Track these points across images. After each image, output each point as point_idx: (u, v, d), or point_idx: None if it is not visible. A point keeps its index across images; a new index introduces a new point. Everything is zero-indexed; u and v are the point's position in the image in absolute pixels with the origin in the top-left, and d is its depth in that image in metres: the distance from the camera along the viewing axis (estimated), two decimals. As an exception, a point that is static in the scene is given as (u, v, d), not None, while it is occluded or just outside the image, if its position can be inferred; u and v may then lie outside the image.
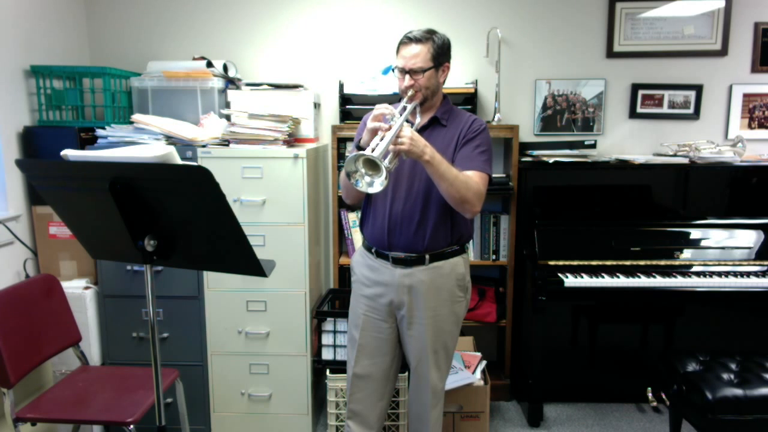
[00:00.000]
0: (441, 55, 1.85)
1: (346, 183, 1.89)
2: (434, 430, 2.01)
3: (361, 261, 2.03)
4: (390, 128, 1.66)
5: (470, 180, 1.80)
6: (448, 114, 1.94)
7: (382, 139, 1.64)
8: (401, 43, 1.85)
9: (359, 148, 1.75)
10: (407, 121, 1.78)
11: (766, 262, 2.62)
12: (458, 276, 1.95)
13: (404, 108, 1.81)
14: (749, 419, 1.97)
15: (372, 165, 1.61)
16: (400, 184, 1.87)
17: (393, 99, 2.75)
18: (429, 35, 1.83)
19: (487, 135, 1.92)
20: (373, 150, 1.60)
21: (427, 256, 1.89)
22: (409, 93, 1.83)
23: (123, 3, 2.98)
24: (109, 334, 2.54)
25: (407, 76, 1.83)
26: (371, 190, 1.63)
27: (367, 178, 1.63)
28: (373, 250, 1.96)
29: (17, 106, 2.47)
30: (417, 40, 1.82)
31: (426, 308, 1.90)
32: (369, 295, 1.97)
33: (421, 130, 1.87)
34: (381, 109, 1.74)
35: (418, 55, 1.81)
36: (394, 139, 1.65)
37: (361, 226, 2.04)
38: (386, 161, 1.60)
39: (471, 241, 2.76)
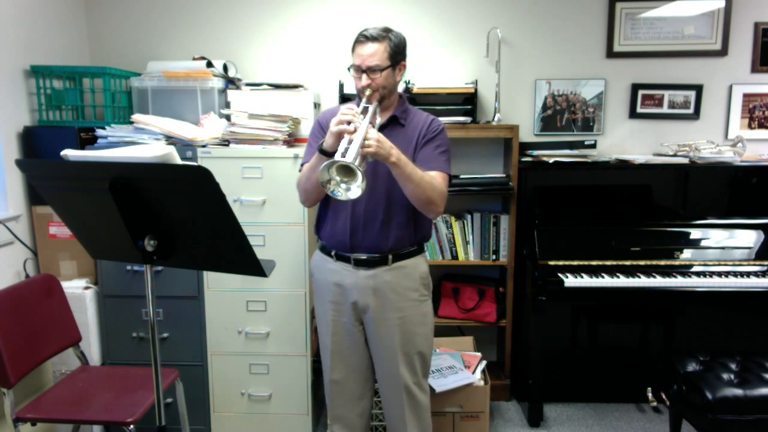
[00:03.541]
0: (398, 53, 1.84)
1: (307, 186, 1.85)
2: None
3: (321, 266, 2.00)
4: (356, 131, 1.63)
5: (434, 180, 1.79)
6: (406, 113, 1.93)
7: (350, 143, 1.61)
8: (357, 42, 1.82)
9: (322, 151, 1.73)
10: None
11: (766, 262, 2.61)
12: (422, 274, 1.96)
13: (366, 109, 1.77)
14: (749, 419, 1.97)
15: (346, 171, 1.58)
16: None
17: (393, 99, 2.77)
18: (385, 33, 1.81)
19: (445, 135, 1.92)
20: (343, 155, 1.57)
21: (390, 257, 1.88)
22: (367, 92, 1.80)
23: (123, 3, 2.98)
24: (109, 334, 2.54)
25: (364, 75, 1.80)
26: (351, 196, 1.59)
27: (343, 185, 1.60)
28: (333, 253, 1.94)
29: (17, 106, 2.47)
30: (373, 38, 1.79)
31: (393, 309, 1.90)
32: (334, 300, 1.96)
33: (380, 130, 1.84)
34: (345, 111, 1.70)
35: (375, 53, 1.79)
36: (362, 143, 1.61)
37: (318, 228, 2.01)
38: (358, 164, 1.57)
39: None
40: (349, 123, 1.66)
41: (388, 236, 1.87)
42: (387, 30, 1.83)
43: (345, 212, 1.87)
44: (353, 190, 1.58)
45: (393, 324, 1.90)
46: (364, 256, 1.89)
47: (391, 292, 1.89)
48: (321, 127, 1.94)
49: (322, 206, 1.97)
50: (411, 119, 1.93)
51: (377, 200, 1.85)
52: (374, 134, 1.65)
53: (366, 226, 1.86)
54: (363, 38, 1.81)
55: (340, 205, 1.88)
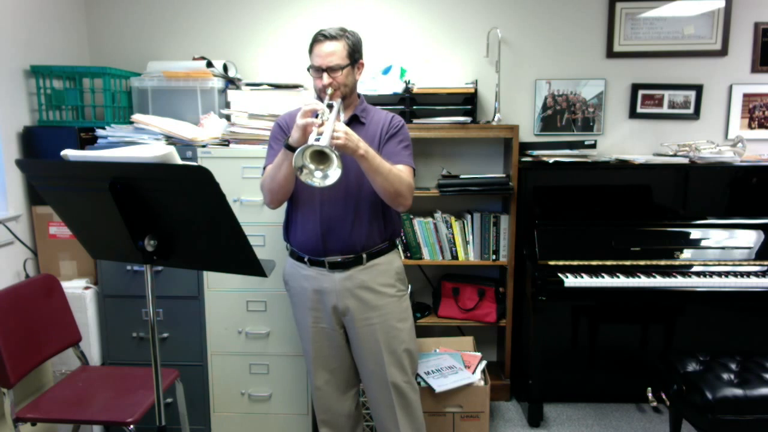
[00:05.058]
0: (355, 51, 1.86)
1: (273, 186, 1.84)
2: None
3: (294, 273, 1.99)
4: (323, 124, 1.63)
5: (402, 173, 1.81)
6: (366, 112, 1.95)
7: (320, 135, 1.60)
8: (315, 41, 1.83)
9: (288, 147, 1.71)
10: None
11: (766, 262, 2.61)
12: (397, 269, 1.97)
13: (330, 105, 1.76)
14: (749, 419, 1.97)
15: (320, 158, 1.57)
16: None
17: (393, 99, 2.77)
18: (343, 32, 1.83)
19: (406, 130, 1.94)
20: (317, 141, 1.56)
21: (364, 255, 1.89)
22: (329, 92, 1.80)
23: (123, 3, 2.98)
24: (109, 334, 2.53)
25: (325, 75, 1.81)
26: (329, 182, 1.57)
27: (318, 173, 1.58)
28: (306, 259, 1.93)
29: (17, 106, 2.47)
30: (332, 37, 1.81)
31: (372, 308, 1.90)
32: (312, 306, 1.96)
33: None
34: (312, 104, 1.70)
35: (334, 52, 1.80)
36: (331, 134, 1.61)
37: (286, 234, 2.00)
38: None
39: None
40: (315, 115, 1.66)
41: (359, 235, 1.87)
42: (344, 29, 1.85)
43: (314, 215, 1.87)
44: (331, 175, 1.57)
45: (374, 323, 1.90)
46: (338, 258, 1.88)
47: (368, 291, 1.90)
48: (281, 129, 1.94)
49: (290, 211, 1.97)
50: (371, 117, 1.94)
51: (346, 200, 1.85)
52: (342, 127, 1.65)
53: (336, 227, 1.86)
54: (322, 37, 1.82)
55: (308, 208, 1.88)
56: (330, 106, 1.75)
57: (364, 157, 1.69)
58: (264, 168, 1.93)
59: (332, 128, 1.61)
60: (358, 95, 1.98)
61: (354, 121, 1.91)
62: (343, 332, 1.99)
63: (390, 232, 1.96)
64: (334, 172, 1.56)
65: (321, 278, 1.92)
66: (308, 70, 1.87)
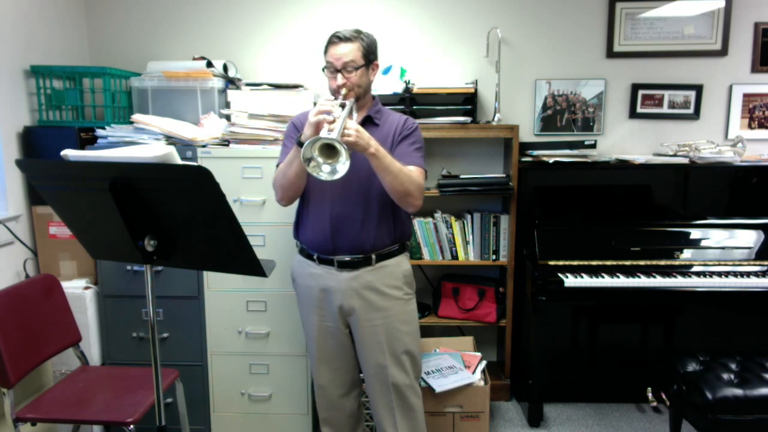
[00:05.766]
0: (370, 53, 1.88)
1: (284, 183, 1.86)
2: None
3: (302, 271, 2.00)
4: (335, 121, 1.65)
5: (412, 173, 1.82)
6: (380, 114, 1.96)
7: (330, 132, 1.62)
8: (330, 43, 1.85)
9: (300, 144, 1.72)
10: None
11: (766, 262, 2.61)
12: (405, 272, 1.97)
13: (344, 104, 1.78)
14: (749, 419, 1.97)
15: (329, 152, 1.59)
16: (337, 183, 1.71)
17: (393, 99, 2.77)
18: (357, 34, 1.85)
19: (419, 133, 1.95)
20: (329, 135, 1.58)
21: (373, 256, 1.89)
22: (343, 91, 1.82)
23: (123, 3, 2.98)
24: (109, 334, 2.53)
25: (339, 75, 1.83)
26: (337, 176, 1.59)
27: (327, 167, 1.60)
28: (315, 257, 1.94)
29: (17, 106, 2.47)
30: (346, 38, 1.83)
31: (377, 309, 1.90)
32: (319, 305, 1.96)
33: None
34: (324, 102, 1.72)
35: (349, 52, 1.82)
36: (342, 131, 1.62)
37: (297, 231, 2.01)
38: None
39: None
40: (328, 113, 1.68)
41: (368, 234, 1.87)
42: (358, 31, 1.87)
43: (324, 213, 1.88)
44: (339, 168, 1.58)
45: (378, 324, 1.91)
46: (347, 258, 1.89)
47: (374, 292, 1.90)
48: (296, 128, 1.96)
49: (301, 208, 1.98)
50: (385, 119, 1.95)
51: (356, 199, 1.86)
52: (353, 124, 1.67)
53: (346, 226, 1.87)
54: (336, 39, 1.84)
55: (319, 206, 1.89)
56: (343, 106, 1.77)
57: (375, 155, 1.70)
58: (277, 166, 1.95)
59: (343, 124, 1.62)
60: (373, 97, 1.98)
61: (368, 122, 1.92)
62: (348, 332, 1.99)
63: (400, 234, 1.96)
64: (343, 166, 1.57)
65: (328, 277, 1.92)
66: (323, 70, 1.89)
